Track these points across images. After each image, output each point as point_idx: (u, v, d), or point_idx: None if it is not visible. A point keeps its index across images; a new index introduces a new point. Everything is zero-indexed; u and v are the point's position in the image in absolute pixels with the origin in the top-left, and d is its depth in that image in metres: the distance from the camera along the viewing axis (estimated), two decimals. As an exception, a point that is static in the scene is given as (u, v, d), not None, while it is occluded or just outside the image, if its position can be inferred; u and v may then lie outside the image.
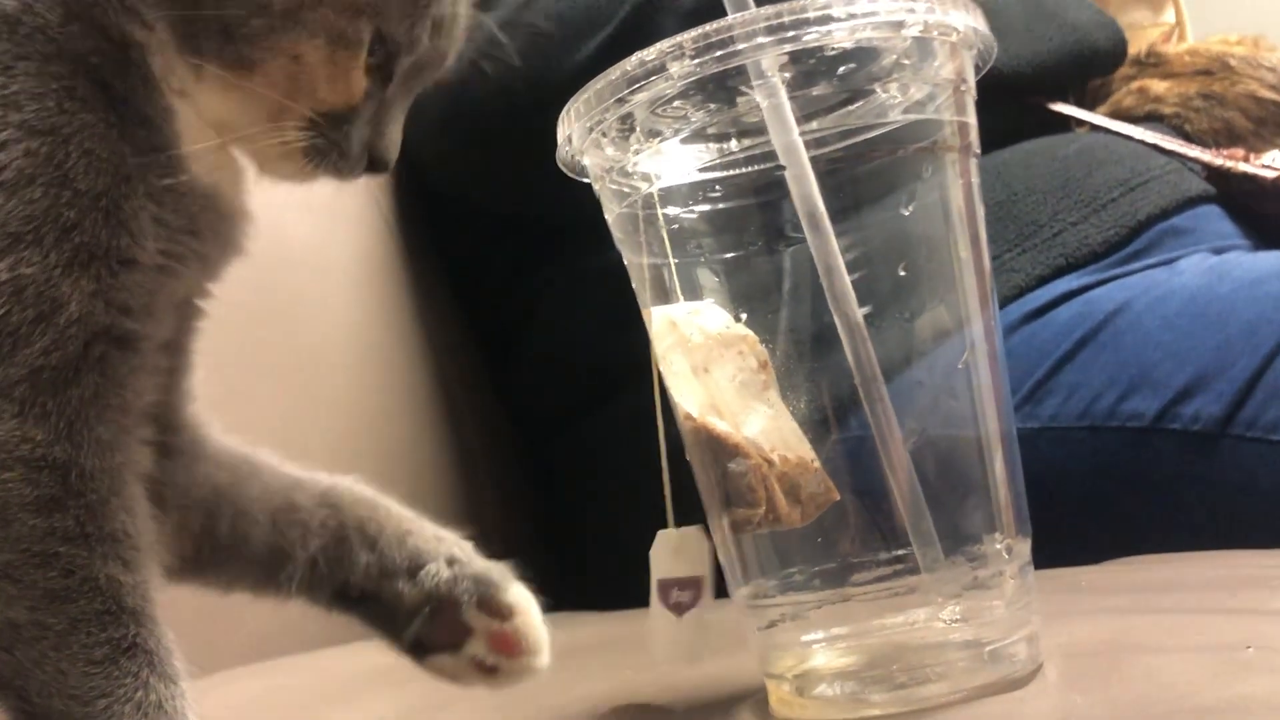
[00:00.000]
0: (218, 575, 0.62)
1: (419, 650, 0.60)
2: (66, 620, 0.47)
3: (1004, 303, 1.00)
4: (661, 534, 0.56)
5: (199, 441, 0.62)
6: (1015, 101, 1.18)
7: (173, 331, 0.56)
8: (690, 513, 0.56)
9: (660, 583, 0.56)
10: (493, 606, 0.59)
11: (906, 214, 0.51)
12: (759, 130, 0.50)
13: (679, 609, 0.55)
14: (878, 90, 0.50)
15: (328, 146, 0.56)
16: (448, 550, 0.61)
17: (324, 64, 0.54)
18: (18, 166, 0.48)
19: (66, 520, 0.47)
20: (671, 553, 0.55)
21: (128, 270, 0.50)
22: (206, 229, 0.55)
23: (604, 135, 0.52)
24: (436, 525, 0.63)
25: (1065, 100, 1.22)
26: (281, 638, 0.95)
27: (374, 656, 0.83)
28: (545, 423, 1.24)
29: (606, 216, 0.56)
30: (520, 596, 0.60)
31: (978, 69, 0.53)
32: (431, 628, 0.60)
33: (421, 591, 0.60)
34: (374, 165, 0.58)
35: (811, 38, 0.47)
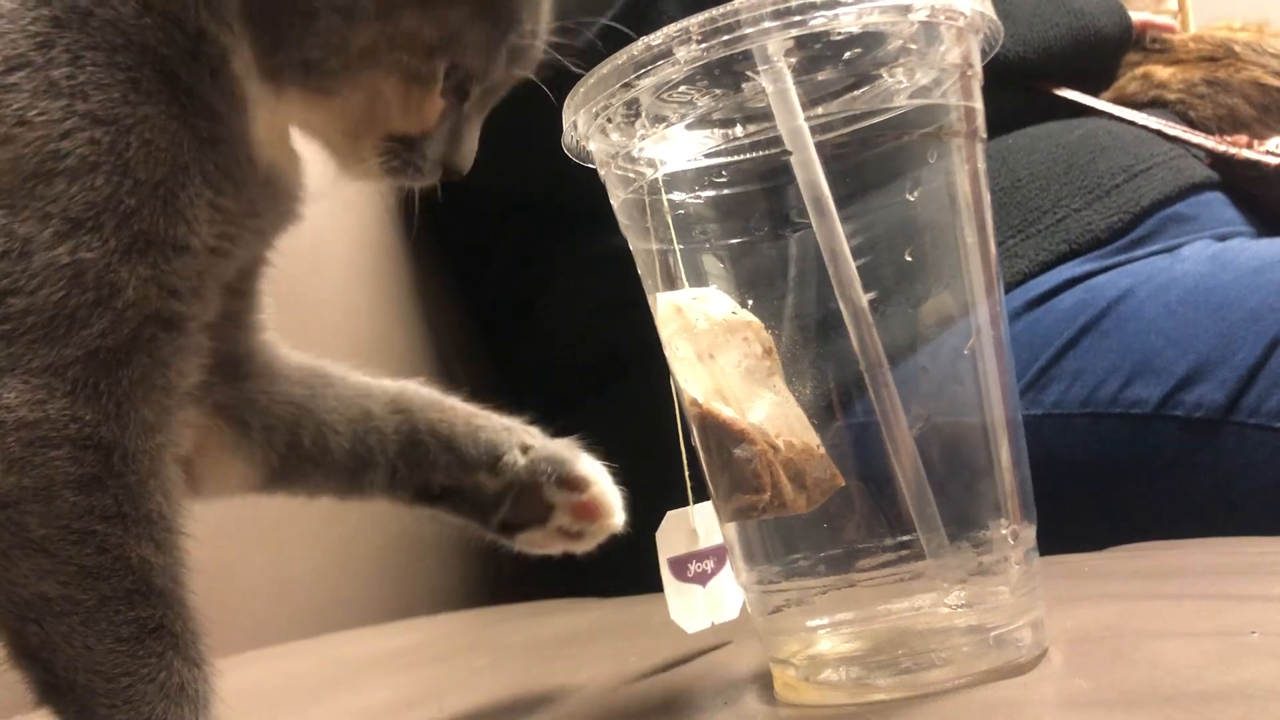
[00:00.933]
0: (304, 484, 0.67)
1: (507, 530, 0.66)
2: (97, 597, 0.48)
3: (1007, 289, 1.00)
4: (671, 514, 0.56)
5: (272, 362, 0.66)
6: (1020, 87, 1.18)
7: (223, 303, 0.58)
8: (696, 498, 0.56)
9: (672, 561, 0.56)
10: (570, 481, 0.66)
11: (912, 199, 0.51)
12: (764, 115, 0.50)
13: (703, 579, 0.56)
14: (884, 75, 0.50)
15: (402, 166, 0.59)
16: (519, 438, 0.67)
17: (400, 99, 0.57)
18: (80, 154, 0.49)
19: (105, 499, 0.48)
20: (687, 527, 0.56)
21: (180, 255, 0.52)
22: (267, 208, 0.58)
23: (609, 120, 0.52)
24: (501, 415, 0.68)
25: (1070, 86, 1.22)
26: (283, 624, 0.95)
27: (373, 643, 0.83)
28: (548, 408, 1.24)
29: (612, 202, 0.55)
30: (591, 467, 0.67)
31: (984, 54, 0.52)
32: (517, 510, 0.66)
33: (503, 481, 0.66)
34: (449, 174, 0.61)
35: (818, 22, 0.47)
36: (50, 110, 0.49)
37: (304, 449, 0.65)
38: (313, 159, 0.61)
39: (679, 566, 0.57)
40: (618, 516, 0.66)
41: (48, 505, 0.47)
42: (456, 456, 0.66)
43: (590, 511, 0.66)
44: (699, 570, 0.57)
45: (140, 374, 0.50)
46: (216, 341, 0.60)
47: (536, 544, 0.67)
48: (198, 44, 0.53)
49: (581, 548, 0.67)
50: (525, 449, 0.66)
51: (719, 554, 0.60)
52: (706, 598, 0.57)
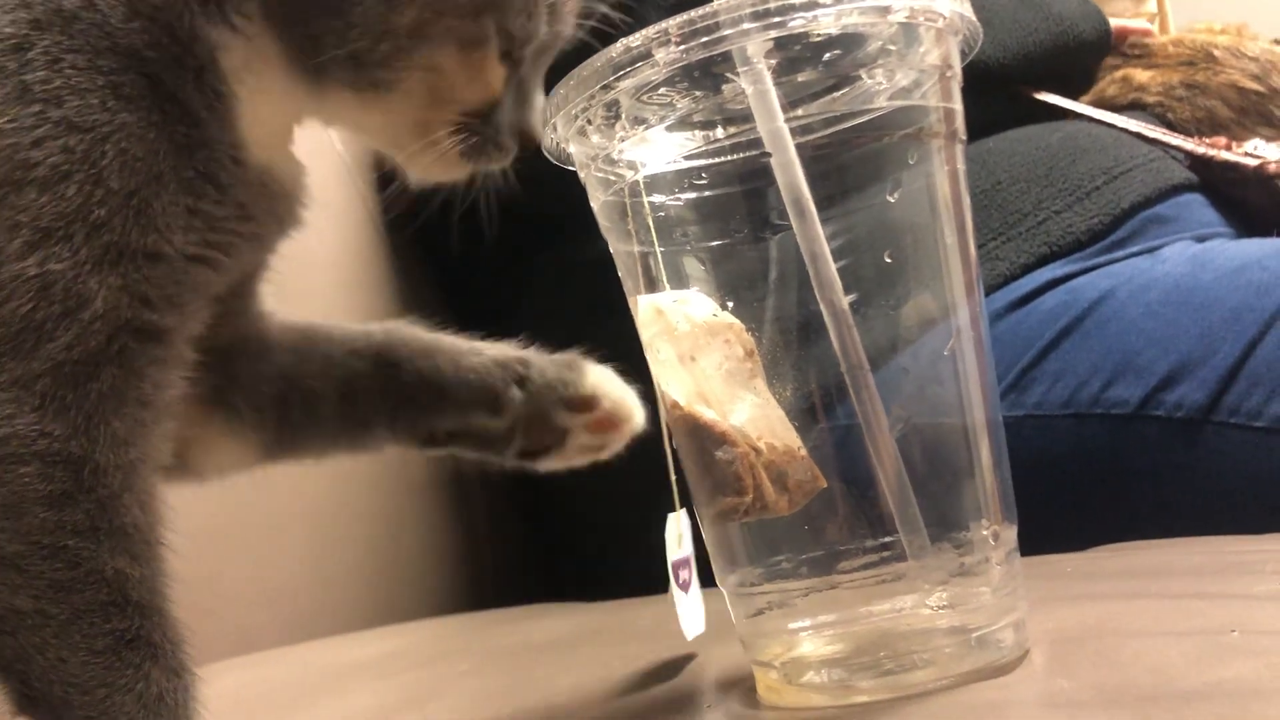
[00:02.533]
0: (306, 450, 0.66)
1: (526, 459, 0.65)
2: (70, 610, 0.47)
3: (988, 291, 1.01)
4: (671, 517, 0.56)
5: (262, 335, 0.64)
6: (999, 91, 1.18)
7: (211, 317, 0.57)
8: (683, 501, 0.56)
9: (673, 564, 0.56)
10: (578, 402, 0.64)
11: (892, 201, 0.51)
12: (744, 117, 0.50)
13: (686, 586, 0.55)
14: (863, 76, 0.50)
15: (483, 142, 0.58)
16: (513, 372, 0.64)
17: (461, 68, 0.55)
18: (53, 164, 0.48)
19: (77, 514, 0.47)
20: (675, 533, 0.56)
21: (154, 264, 0.50)
22: (262, 211, 0.56)
23: (589, 123, 0.52)
24: (491, 345, 0.66)
25: (1049, 90, 1.23)
26: (266, 631, 0.95)
27: (356, 650, 0.83)
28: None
29: (592, 204, 0.55)
30: (598, 378, 0.64)
31: (964, 55, 0.53)
32: (530, 441, 0.64)
33: (506, 420, 0.64)
34: (525, 141, 0.59)
35: (797, 24, 0.47)
36: (22, 118, 0.48)
37: (295, 419, 0.64)
38: (310, 162, 0.60)
39: (674, 571, 0.56)
40: (637, 417, 0.64)
41: (18, 521, 0.46)
42: (453, 403, 0.64)
43: (608, 424, 0.64)
44: (684, 578, 0.56)
45: (110, 386, 0.49)
46: (210, 338, 0.59)
47: (560, 463, 0.65)
48: (187, 47, 0.52)
49: (608, 454, 0.66)
50: (521, 381, 0.64)
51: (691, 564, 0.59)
52: (694, 605, 0.56)
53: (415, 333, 0.67)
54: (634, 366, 0.54)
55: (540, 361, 0.65)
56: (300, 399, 0.64)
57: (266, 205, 0.56)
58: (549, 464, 0.65)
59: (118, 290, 0.49)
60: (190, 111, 0.52)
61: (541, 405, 0.64)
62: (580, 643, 0.80)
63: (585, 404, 0.64)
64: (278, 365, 0.64)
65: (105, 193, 0.49)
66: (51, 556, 0.47)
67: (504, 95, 0.58)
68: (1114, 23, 1.33)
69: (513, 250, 1.19)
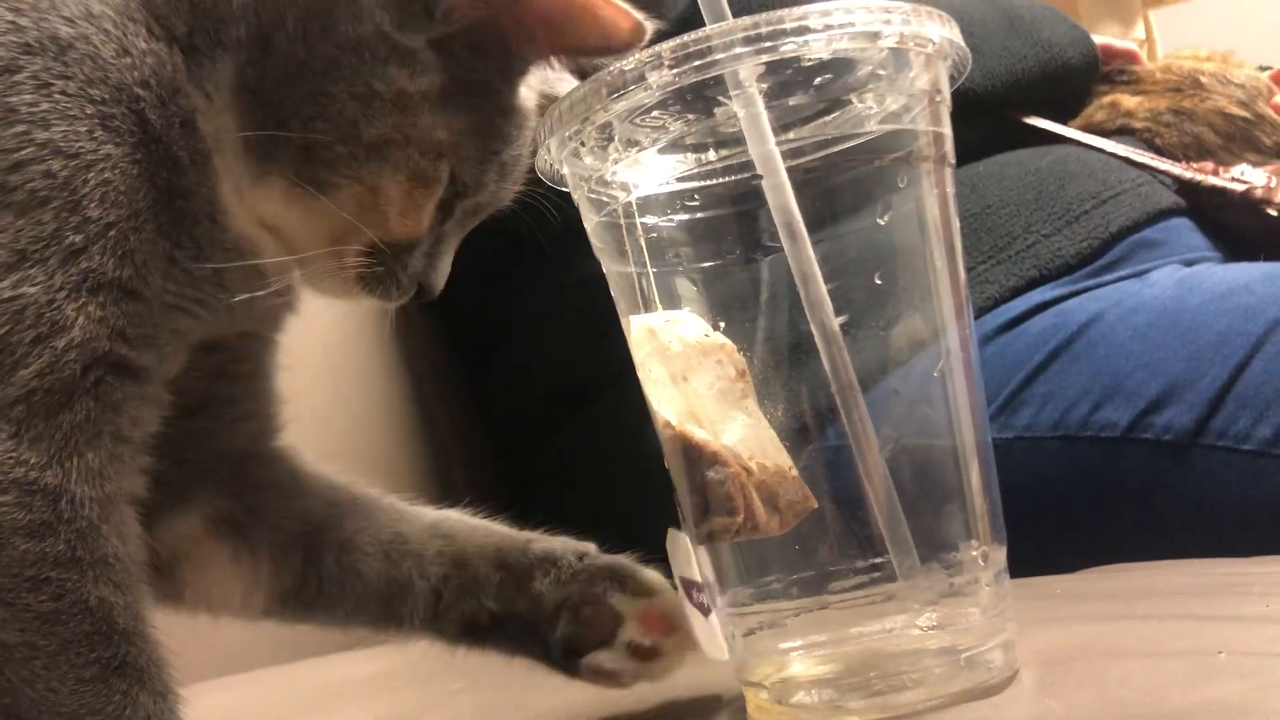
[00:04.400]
0: (329, 613, 0.62)
1: (571, 656, 0.59)
2: (57, 641, 0.47)
3: (978, 314, 1.01)
4: (673, 532, 0.56)
5: (292, 474, 0.62)
6: (989, 116, 1.19)
7: (205, 360, 0.56)
8: (670, 520, 0.56)
9: (684, 581, 0.55)
10: (635, 588, 0.59)
11: (882, 224, 0.51)
12: (736, 140, 0.50)
13: (704, 610, 0.54)
14: (854, 101, 0.51)
15: (385, 275, 0.57)
16: (575, 547, 0.61)
17: (400, 199, 0.55)
18: (32, 188, 0.48)
19: (58, 545, 0.47)
20: (684, 549, 0.55)
21: (131, 301, 0.50)
22: (237, 285, 0.55)
23: (582, 144, 0.52)
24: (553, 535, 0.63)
25: (1038, 115, 1.24)
26: (255, 650, 0.94)
27: (349, 668, 0.82)
28: (522, 433, 1.24)
29: (585, 225, 0.56)
30: (655, 577, 0.60)
31: (953, 80, 0.53)
32: (578, 626, 0.59)
33: (560, 588, 0.59)
34: (421, 294, 0.59)
35: (788, 48, 0.48)
36: (4, 139, 0.48)
37: (326, 571, 0.61)
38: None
39: (688, 587, 0.55)
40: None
41: (0, 554, 0.46)
42: (508, 572, 0.60)
43: (663, 622, 0.58)
44: (699, 600, 0.56)
45: (85, 418, 0.48)
46: (213, 433, 0.58)
47: (606, 670, 0.59)
48: (172, 95, 0.52)
49: (658, 676, 0.59)
50: (581, 555, 0.61)
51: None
52: (715, 628, 0.55)
53: (471, 516, 0.64)
54: (626, 387, 0.54)
55: (600, 552, 0.62)
56: (338, 547, 0.61)
57: (242, 279, 0.55)
58: (594, 665, 0.59)
59: (96, 321, 0.48)
60: (174, 157, 0.52)
61: (597, 584, 0.59)
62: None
63: (643, 590, 0.59)
64: (311, 510, 0.61)
65: (82, 220, 0.48)
66: (35, 589, 0.46)
67: (425, 240, 0.58)
68: (1099, 40, 1.34)
69: (505, 269, 1.20)
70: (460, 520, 0.63)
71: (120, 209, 0.49)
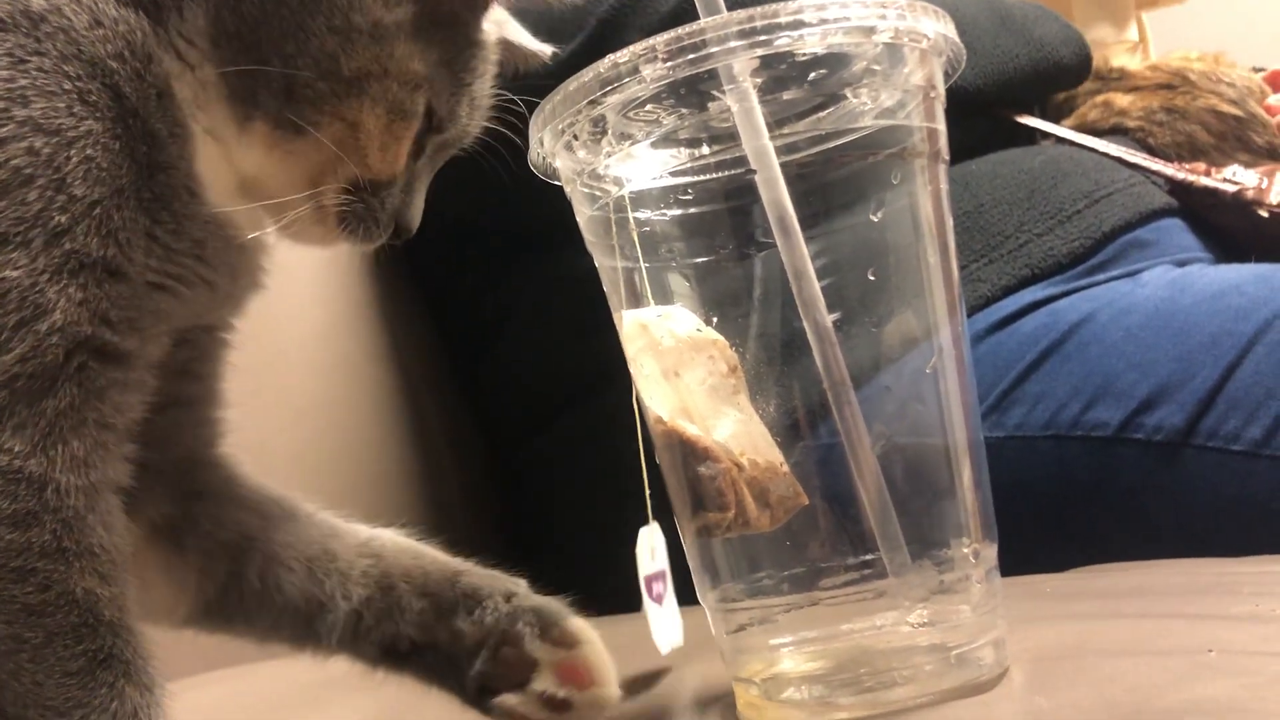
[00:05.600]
0: (249, 625, 0.61)
1: (483, 695, 0.58)
2: (44, 633, 0.46)
3: (970, 313, 1.01)
4: (643, 531, 0.56)
5: (229, 482, 0.61)
6: (982, 115, 1.19)
7: (174, 356, 0.55)
8: (661, 515, 0.56)
9: (645, 578, 0.55)
10: (556, 637, 0.58)
11: (876, 220, 0.51)
12: (730, 135, 0.50)
13: (660, 600, 0.54)
14: (848, 96, 0.51)
15: (365, 213, 0.57)
16: (503, 586, 0.60)
17: (380, 133, 0.55)
18: (15, 165, 0.47)
19: (44, 535, 0.47)
20: (647, 546, 0.55)
21: (115, 282, 0.49)
22: (215, 257, 0.55)
23: (575, 138, 0.52)
24: (484, 567, 0.61)
25: (1030, 113, 1.24)
26: (240, 645, 0.94)
27: (334, 665, 0.82)
28: (513, 430, 1.24)
29: (578, 219, 0.56)
30: (582, 627, 0.58)
31: (947, 76, 0.53)
32: (495, 665, 0.58)
33: (481, 628, 0.58)
34: (398, 232, 0.59)
35: (783, 42, 0.47)
36: None
37: (247, 583, 0.60)
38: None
39: (648, 584, 0.56)
40: (611, 688, 0.57)
41: None
42: (432, 602, 0.59)
43: (578, 675, 0.57)
44: (658, 591, 0.56)
45: (69, 405, 0.48)
46: (172, 437, 0.57)
47: (516, 713, 0.57)
48: (146, 64, 0.51)
49: None
50: (509, 596, 0.59)
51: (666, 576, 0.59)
52: (669, 618, 0.56)
53: (405, 538, 0.63)
54: (618, 384, 0.53)
55: (530, 590, 0.60)
56: (262, 561, 0.60)
57: (222, 252, 0.55)
58: (504, 707, 0.57)
59: (78, 304, 0.48)
60: (152, 131, 0.51)
61: (519, 624, 0.58)
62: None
63: (563, 640, 0.58)
64: (242, 521, 0.60)
65: (68, 199, 0.48)
66: (21, 580, 0.46)
67: (401, 177, 0.57)
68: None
69: (497, 264, 1.19)
70: (392, 541, 0.62)
71: (104, 186, 0.49)
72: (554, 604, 0.59)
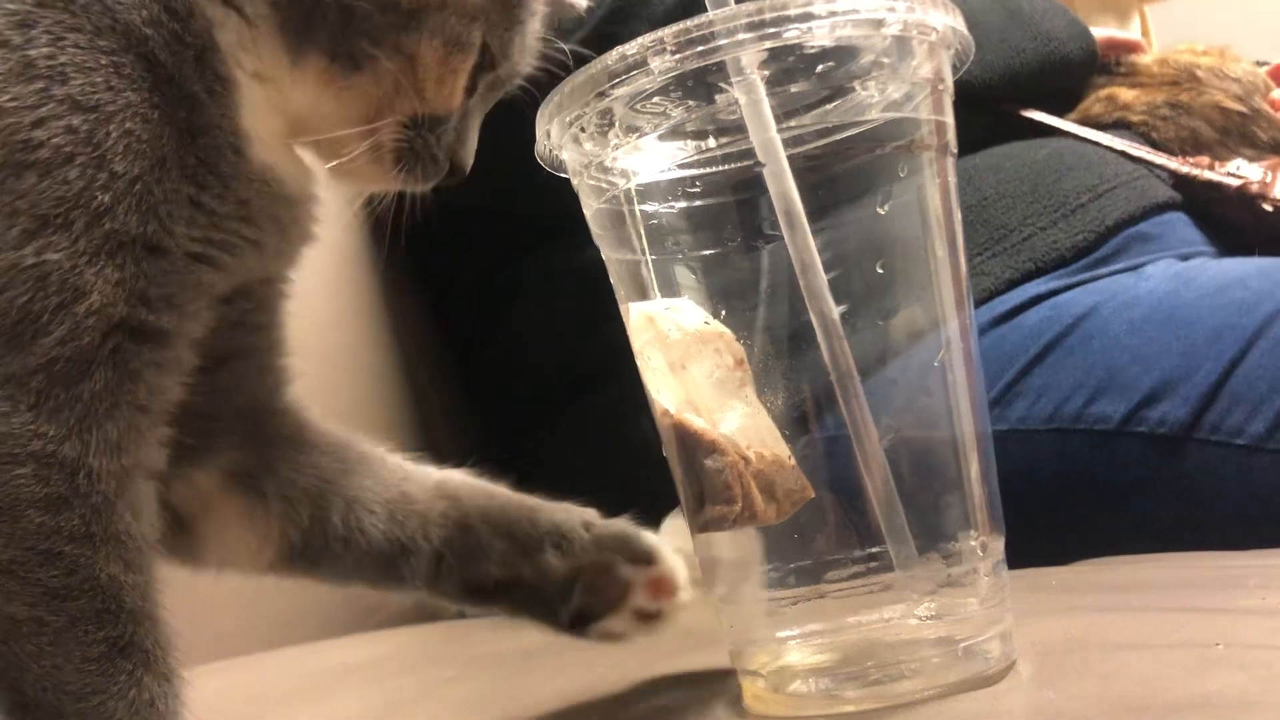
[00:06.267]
0: (333, 569, 0.62)
1: (579, 623, 0.60)
2: (65, 618, 0.46)
3: (974, 306, 1.01)
4: (675, 516, 0.56)
5: (301, 427, 0.62)
6: (987, 109, 1.19)
7: (228, 311, 0.55)
8: (665, 508, 0.56)
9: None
10: (640, 556, 0.60)
11: (883, 213, 0.51)
12: (738, 128, 0.50)
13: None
14: (856, 88, 0.51)
15: (423, 149, 0.56)
16: (580, 517, 0.61)
17: (437, 66, 0.55)
18: (55, 144, 0.47)
19: (73, 520, 0.46)
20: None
21: (154, 259, 0.49)
22: (262, 214, 0.54)
23: (583, 130, 0.52)
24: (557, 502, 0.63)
25: (1035, 108, 1.23)
26: (249, 635, 0.94)
27: (341, 654, 0.82)
28: (517, 420, 1.24)
29: (585, 212, 0.55)
30: (656, 541, 0.61)
31: (955, 69, 0.53)
32: (591, 596, 0.60)
33: (571, 561, 0.60)
34: (454, 171, 0.59)
35: (792, 34, 0.47)
36: (24, 95, 0.47)
37: (332, 527, 0.60)
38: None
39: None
40: (686, 591, 0.60)
41: (13, 525, 0.45)
42: (514, 541, 0.60)
43: (665, 587, 0.60)
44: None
45: (103, 387, 0.47)
46: (234, 387, 0.57)
47: (614, 634, 0.60)
48: (185, 23, 0.51)
49: (655, 632, 0.60)
50: (588, 526, 0.61)
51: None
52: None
53: (476, 479, 0.64)
54: (624, 375, 0.53)
55: (601, 519, 0.62)
56: (344, 505, 0.60)
57: (270, 208, 0.55)
58: (604, 631, 0.60)
59: (114, 285, 0.47)
60: (190, 94, 0.51)
61: (606, 552, 0.60)
62: (565, 651, 0.79)
63: (646, 558, 0.60)
64: (319, 465, 0.61)
65: (109, 176, 0.47)
66: (47, 563, 0.46)
67: (457, 114, 0.57)
68: (1101, 33, 1.33)
69: (502, 255, 1.19)
70: (465, 483, 0.63)
71: (144, 160, 0.48)
72: (626, 525, 0.61)
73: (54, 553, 0.46)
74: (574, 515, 0.62)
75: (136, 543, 0.48)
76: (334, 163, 0.57)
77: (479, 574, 0.61)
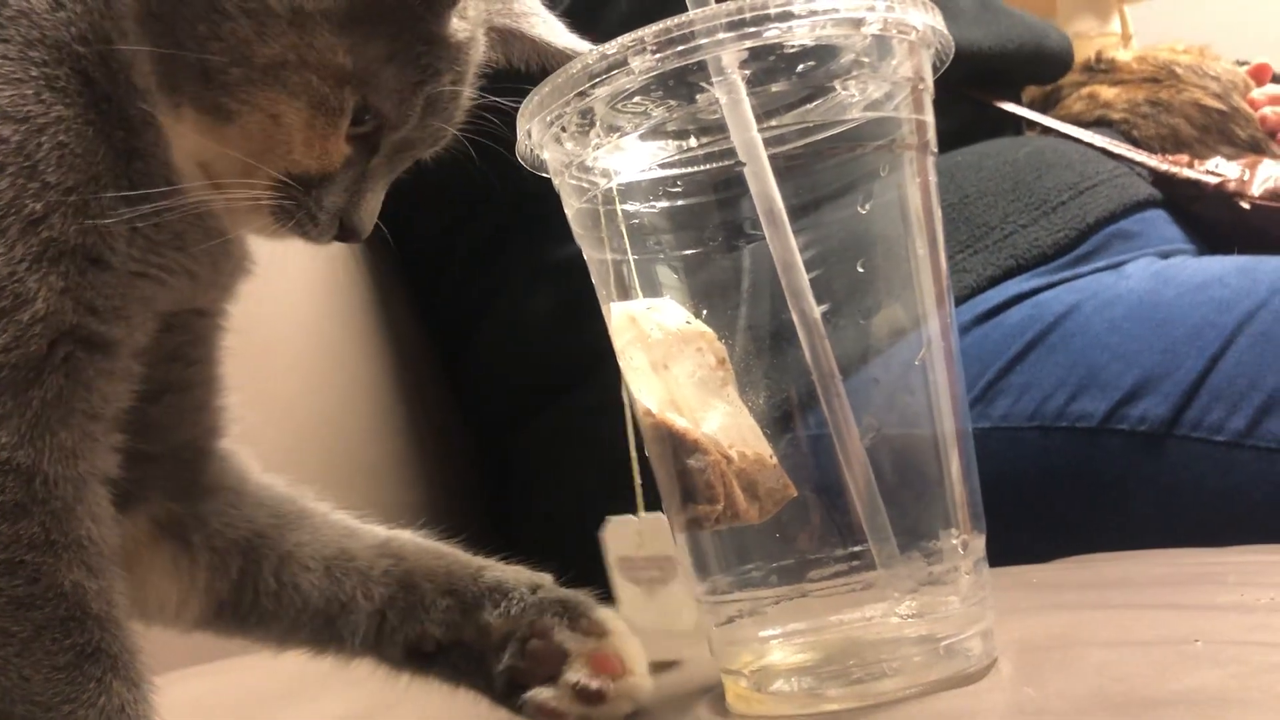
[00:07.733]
0: (266, 627, 0.60)
1: (513, 690, 0.57)
2: (31, 627, 0.46)
3: (955, 304, 1.01)
4: (614, 519, 0.55)
5: (237, 477, 0.60)
6: (968, 96, 1.19)
7: (163, 341, 0.54)
8: (649, 507, 0.56)
9: (622, 560, 0.55)
10: (585, 626, 0.56)
11: (864, 212, 0.51)
12: (718, 127, 0.50)
13: (651, 585, 0.54)
14: (837, 88, 0.51)
15: (295, 209, 0.54)
16: (528, 579, 0.58)
17: (302, 128, 0.52)
18: None
19: (32, 527, 0.46)
20: (633, 532, 0.55)
21: (97, 270, 0.49)
22: (194, 245, 0.53)
23: (563, 129, 0.52)
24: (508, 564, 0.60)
25: (1016, 98, 1.24)
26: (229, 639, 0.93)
27: (321, 659, 0.81)
28: (498, 418, 1.24)
29: (566, 211, 0.55)
30: (610, 616, 0.57)
31: (935, 68, 0.53)
32: (524, 659, 0.56)
33: (508, 620, 0.57)
34: (345, 234, 0.56)
35: (772, 34, 0.47)
36: None
37: (263, 582, 0.58)
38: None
39: (628, 566, 0.55)
40: (644, 677, 0.56)
41: None
42: (457, 598, 0.58)
43: (612, 664, 0.55)
44: (648, 577, 0.55)
45: (55, 395, 0.47)
46: (170, 424, 0.56)
47: (548, 708, 0.55)
48: (108, 46, 0.50)
49: (597, 717, 0.55)
50: (535, 588, 0.58)
51: (664, 564, 0.59)
52: (657, 605, 0.56)
53: (423, 538, 0.61)
54: (605, 373, 0.53)
55: (556, 585, 0.59)
56: (277, 560, 0.58)
57: (201, 238, 0.53)
58: (536, 702, 0.55)
59: (59, 293, 0.47)
60: (127, 117, 0.50)
61: (547, 615, 0.56)
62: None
63: (593, 629, 0.56)
64: (253, 518, 0.59)
65: (40, 186, 0.47)
66: (9, 572, 0.46)
67: (340, 174, 0.54)
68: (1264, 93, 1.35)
69: (484, 254, 1.19)
70: (411, 541, 0.61)
71: (78, 173, 0.48)
72: (580, 595, 0.58)
73: (15, 561, 0.46)
74: (523, 576, 0.59)
75: (98, 547, 0.48)
76: (225, 199, 0.55)
77: (420, 634, 0.58)
